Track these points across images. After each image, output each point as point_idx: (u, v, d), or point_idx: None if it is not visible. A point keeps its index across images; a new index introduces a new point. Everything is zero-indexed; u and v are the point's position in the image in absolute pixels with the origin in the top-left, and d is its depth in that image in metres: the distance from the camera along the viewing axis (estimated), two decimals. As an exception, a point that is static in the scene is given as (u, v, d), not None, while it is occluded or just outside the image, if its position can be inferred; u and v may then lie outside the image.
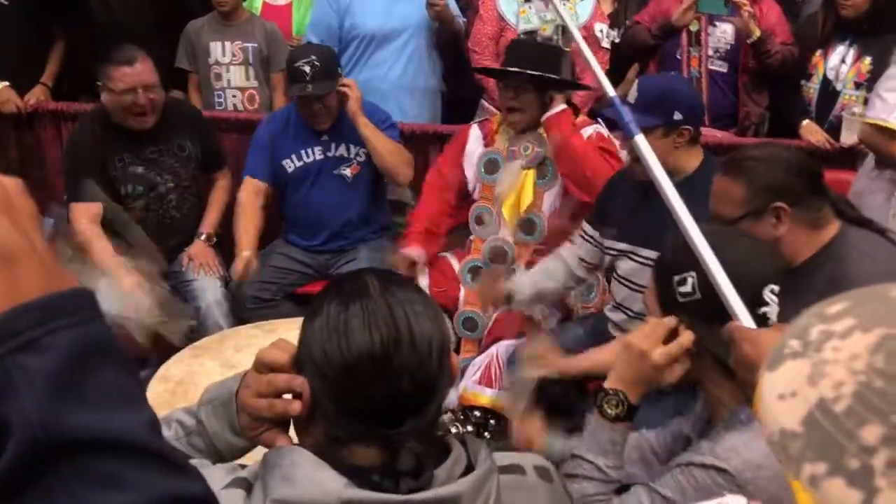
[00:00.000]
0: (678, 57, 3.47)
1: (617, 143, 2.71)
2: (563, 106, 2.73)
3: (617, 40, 3.58)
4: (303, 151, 3.05)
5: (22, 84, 3.42)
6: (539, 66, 2.69)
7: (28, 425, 0.40)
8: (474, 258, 2.89)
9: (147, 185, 2.96)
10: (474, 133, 2.94)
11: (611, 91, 1.67)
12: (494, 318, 2.71)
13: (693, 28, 3.44)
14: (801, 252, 1.82)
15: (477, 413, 2.54)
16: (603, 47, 3.43)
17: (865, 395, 0.49)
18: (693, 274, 1.37)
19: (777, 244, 1.80)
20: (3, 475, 0.40)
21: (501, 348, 2.53)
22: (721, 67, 3.46)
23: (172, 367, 2.37)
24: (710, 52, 3.44)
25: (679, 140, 2.26)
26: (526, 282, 2.55)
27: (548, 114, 2.70)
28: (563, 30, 3.30)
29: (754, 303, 1.33)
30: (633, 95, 2.32)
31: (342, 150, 3.06)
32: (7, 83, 3.37)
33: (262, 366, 1.01)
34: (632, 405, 1.40)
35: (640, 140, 1.53)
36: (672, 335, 1.38)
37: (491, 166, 2.86)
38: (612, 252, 2.43)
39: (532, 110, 2.73)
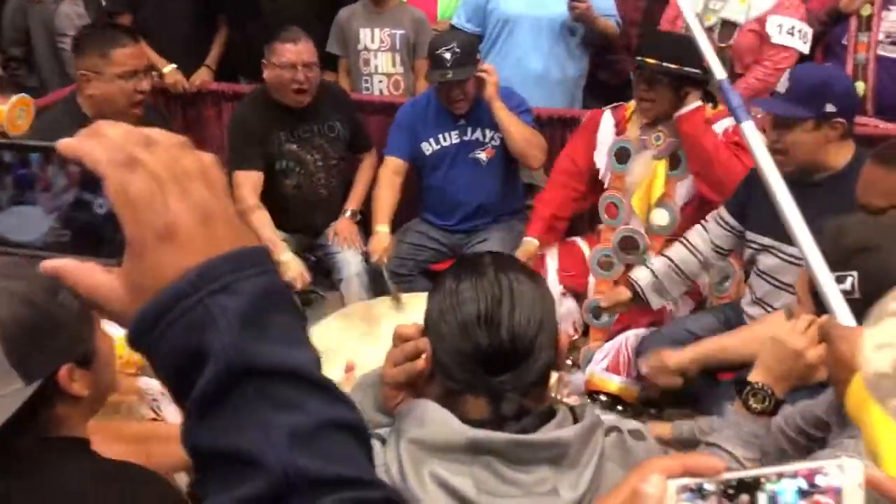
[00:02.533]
0: (844, 43, 3.27)
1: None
2: (698, 103, 2.67)
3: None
4: (441, 135, 3.16)
5: (188, 66, 3.69)
6: (677, 59, 2.66)
7: (224, 352, 0.50)
8: (604, 247, 2.90)
9: (298, 162, 3.16)
10: (606, 120, 2.93)
11: (720, 74, 1.65)
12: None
13: (865, 13, 3.23)
14: None
15: (603, 398, 2.58)
16: (775, 44, 3.15)
17: None
18: (854, 274, 1.33)
19: None
20: (203, 392, 0.50)
21: (631, 336, 2.54)
22: (892, 53, 3.22)
23: (318, 333, 2.55)
24: (881, 37, 3.21)
25: (831, 133, 2.20)
26: (649, 277, 2.55)
27: (680, 111, 2.65)
28: (724, 24, 3.20)
29: None
30: (783, 85, 2.27)
31: (478, 135, 3.15)
32: (175, 66, 3.65)
33: (398, 339, 1.17)
34: (778, 400, 1.40)
35: (749, 127, 1.49)
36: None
37: (622, 155, 2.86)
38: (753, 245, 2.40)
39: (664, 103, 2.70)
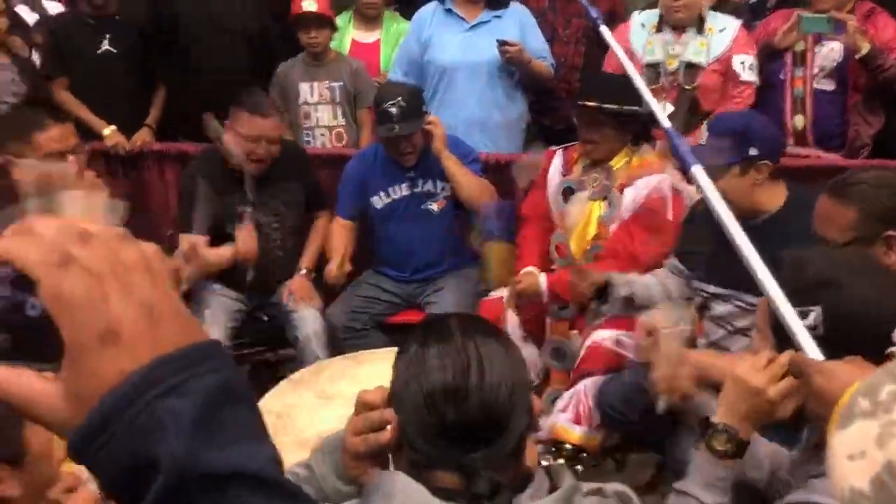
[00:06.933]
0: (782, 77, 3.35)
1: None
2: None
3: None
4: (390, 188, 3.14)
5: (127, 126, 3.61)
6: (616, 98, 2.68)
7: (175, 460, 0.46)
8: (557, 287, 2.89)
9: (254, 226, 3.07)
10: (556, 160, 2.97)
11: (666, 122, 1.66)
12: (584, 351, 2.69)
13: (798, 48, 3.32)
14: None
15: (568, 446, 2.55)
16: (743, 81, 3.26)
17: None
18: (817, 309, 1.32)
19: None
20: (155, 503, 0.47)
21: (589, 384, 2.52)
22: (827, 86, 3.31)
23: (271, 401, 2.47)
24: (816, 71, 3.30)
25: (758, 176, 2.22)
26: (623, 281, 2.52)
27: None
28: (688, 66, 3.27)
29: (880, 343, 1.24)
30: (703, 136, 2.29)
31: (429, 186, 3.13)
32: (114, 127, 3.57)
33: (362, 406, 1.11)
34: (742, 441, 1.36)
35: (698, 171, 1.50)
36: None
37: (567, 195, 2.88)
38: (702, 294, 2.40)
39: (608, 143, 2.74)
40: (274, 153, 3.03)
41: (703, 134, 2.28)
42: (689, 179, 2.85)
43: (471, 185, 3.04)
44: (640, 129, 2.79)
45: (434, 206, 3.14)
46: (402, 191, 3.14)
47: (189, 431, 0.47)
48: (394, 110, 2.92)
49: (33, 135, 2.47)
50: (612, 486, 1.11)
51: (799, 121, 3.33)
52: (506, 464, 1.02)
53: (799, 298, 1.33)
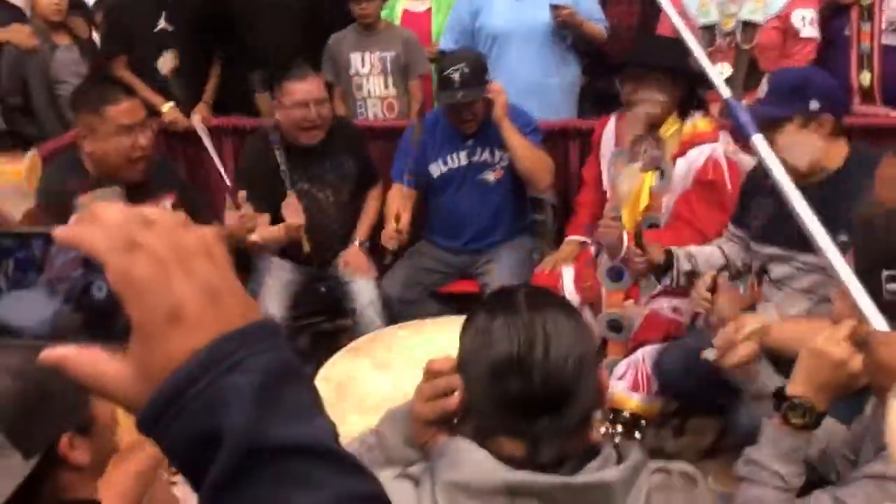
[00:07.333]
0: (847, 33, 3.23)
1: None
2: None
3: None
4: (449, 157, 3.12)
5: (183, 103, 3.67)
6: (663, 57, 2.62)
7: (238, 434, 0.48)
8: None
9: (311, 200, 3.12)
10: (609, 128, 2.92)
11: (726, 91, 1.61)
12: (641, 320, 2.66)
13: (865, 2, 3.19)
14: None
15: (626, 414, 2.53)
16: (804, 37, 3.17)
17: None
18: None
19: None
20: (220, 477, 0.49)
21: (646, 352, 2.49)
22: None
23: (330, 369, 2.51)
24: (884, 26, 3.16)
25: (820, 131, 2.13)
26: (685, 255, 2.46)
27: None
28: (745, 25, 3.17)
29: None
30: (763, 90, 2.21)
31: (486, 156, 3.11)
32: (173, 103, 3.64)
33: (430, 373, 1.12)
34: (820, 413, 1.33)
35: (759, 140, 1.45)
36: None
37: (619, 165, 2.83)
38: (761, 255, 2.34)
39: (653, 105, 2.67)
40: (326, 116, 3.04)
41: (762, 89, 2.21)
42: (747, 147, 2.80)
43: (529, 157, 3.00)
44: (689, 94, 2.72)
45: (491, 177, 3.12)
46: (459, 159, 3.12)
47: (252, 407, 0.48)
48: (456, 77, 2.89)
49: (104, 108, 2.52)
50: (678, 466, 1.10)
51: (865, 77, 3.21)
52: (571, 434, 1.02)
53: (888, 261, 1.28)
